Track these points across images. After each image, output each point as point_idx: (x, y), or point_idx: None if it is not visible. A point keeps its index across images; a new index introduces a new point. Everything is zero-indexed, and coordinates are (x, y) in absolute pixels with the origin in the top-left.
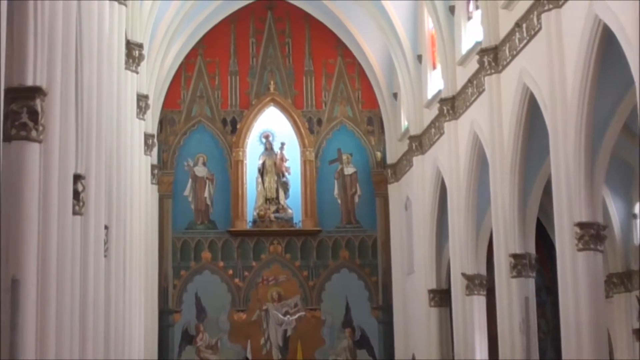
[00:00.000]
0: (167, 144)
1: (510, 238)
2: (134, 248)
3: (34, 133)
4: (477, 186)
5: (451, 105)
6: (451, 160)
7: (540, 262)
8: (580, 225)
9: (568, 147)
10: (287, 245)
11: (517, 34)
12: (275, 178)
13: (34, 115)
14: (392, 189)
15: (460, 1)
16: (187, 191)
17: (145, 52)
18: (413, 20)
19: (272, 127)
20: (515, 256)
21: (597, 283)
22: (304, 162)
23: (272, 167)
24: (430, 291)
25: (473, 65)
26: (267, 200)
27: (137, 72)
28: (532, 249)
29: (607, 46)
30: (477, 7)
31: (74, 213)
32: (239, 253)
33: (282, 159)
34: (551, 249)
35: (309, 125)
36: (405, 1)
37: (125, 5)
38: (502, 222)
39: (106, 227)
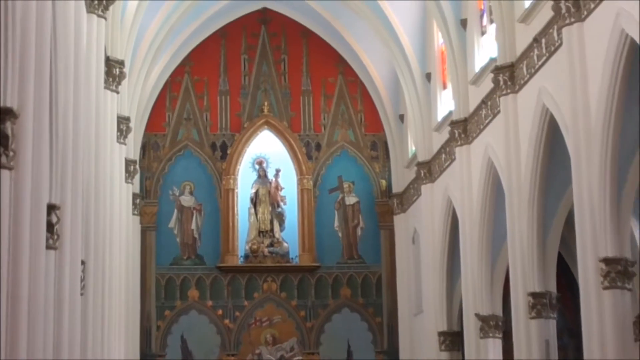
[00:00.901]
0: (150, 170)
1: (528, 275)
2: (114, 285)
3: (4, 159)
4: (492, 217)
5: (463, 129)
6: (463, 189)
7: (562, 301)
8: (606, 261)
9: (592, 174)
10: (282, 282)
11: (536, 50)
12: (270, 208)
13: (4, 139)
14: (399, 221)
15: (472, 14)
16: (172, 223)
17: (126, 69)
18: (421, 35)
19: (266, 152)
20: (534, 295)
21: (624, 324)
22: (301, 191)
23: (266, 196)
24: (441, 333)
25: (487, 85)
26: (261, 233)
27: (118, 92)
28: (552, 287)
29: (634, 62)
30: (491, 21)
31: (48, 247)
32: (230, 291)
33: (277, 188)
34: (574, 287)
35: (307, 151)
36: (413, 15)
37: (105, 19)
38: (519, 257)
39: (83, 263)
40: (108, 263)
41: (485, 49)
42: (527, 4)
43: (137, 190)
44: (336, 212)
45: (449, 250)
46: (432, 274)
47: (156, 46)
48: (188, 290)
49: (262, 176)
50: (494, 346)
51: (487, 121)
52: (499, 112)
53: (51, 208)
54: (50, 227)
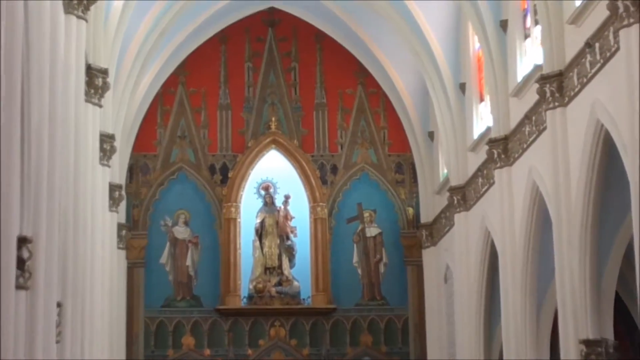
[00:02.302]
0: (138, 197)
1: (581, 319)
2: (95, 331)
3: None
4: (537, 252)
5: (503, 148)
6: (503, 218)
7: (621, 350)
8: None
9: None
10: (292, 327)
11: (589, 56)
12: (278, 241)
13: None
14: (428, 256)
15: (514, 15)
16: (164, 258)
17: (111, 79)
18: (454, 39)
19: (274, 176)
20: (587, 343)
21: None
22: (315, 220)
23: (274, 227)
24: None
25: (531, 97)
26: (267, 269)
27: (101, 106)
28: (609, 334)
29: None
30: (536, 22)
31: (18, 287)
32: (231, 338)
33: (287, 217)
34: (634, 333)
35: (321, 174)
36: (445, 16)
37: (86, 20)
38: (570, 298)
39: (59, 305)
40: (88, 305)
41: (529, 55)
42: (577, 2)
43: (123, 220)
44: (355, 246)
45: (487, 290)
46: (467, 317)
47: (145, 52)
48: (182, 336)
49: (268, 204)
50: None
51: (531, 139)
52: (545, 128)
53: (22, 241)
54: (21, 263)
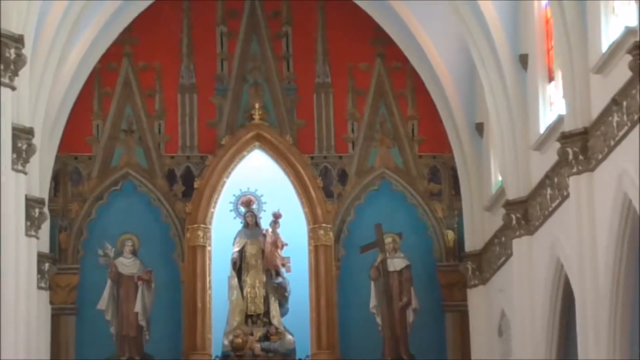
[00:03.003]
0: (66, 216)
1: None
2: None
3: None
4: (630, 293)
5: (582, 147)
6: (582, 245)
7: None
8: None
9: None
10: None
11: None
12: (264, 278)
13: None
14: (475, 298)
15: None
16: (104, 302)
17: (27, 51)
18: None
19: (258, 186)
20: None
21: None
22: (315, 248)
23: (258, 258)
24: None
25: (622, 73)
26: (249, 317)
27: (14, 88)
28: None
29: None
30: None
31: None
32: None
33: (276, 244)
34: None
35: (325, 183)
36: None
37: None
38: None
39: None
40: None
41: (619, 14)
42: None
43: (46, 249)
44: (373, 284)
45: (558, 347)
46: None
47: (76, 13)
48: None
49: (251, 225)
50: None
51: (621, 133)
52: None
53: None
54: None
